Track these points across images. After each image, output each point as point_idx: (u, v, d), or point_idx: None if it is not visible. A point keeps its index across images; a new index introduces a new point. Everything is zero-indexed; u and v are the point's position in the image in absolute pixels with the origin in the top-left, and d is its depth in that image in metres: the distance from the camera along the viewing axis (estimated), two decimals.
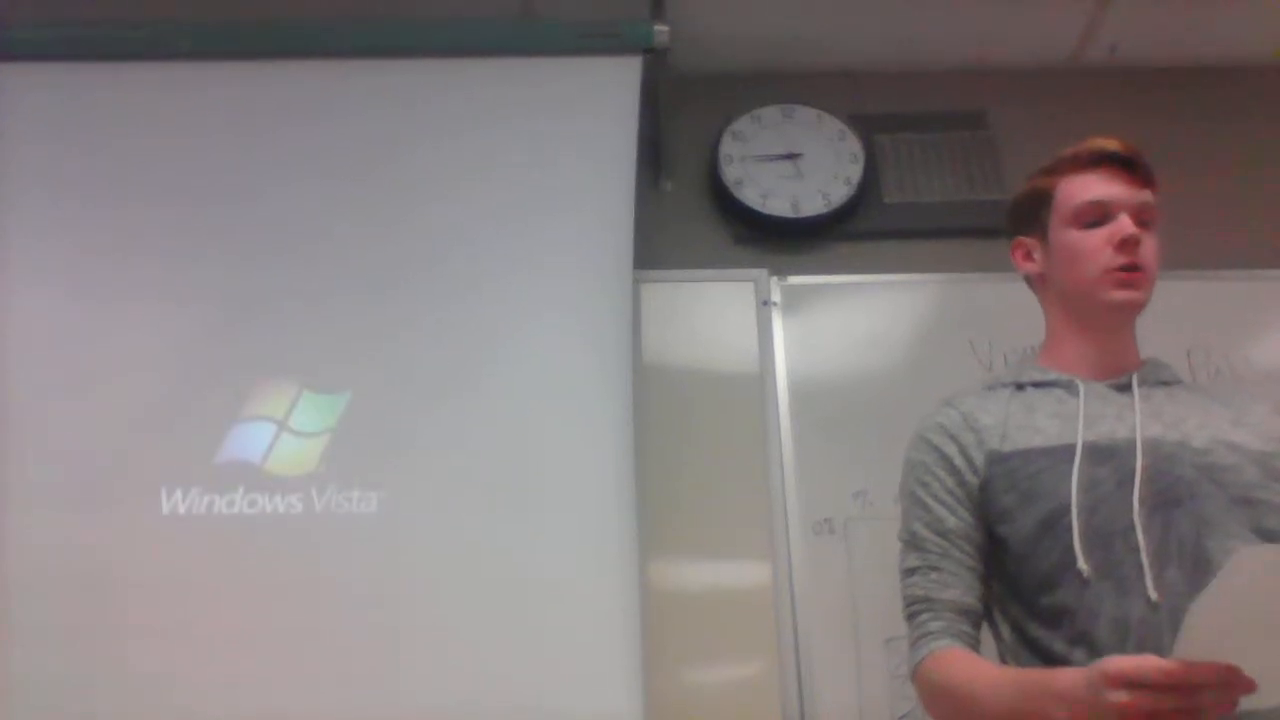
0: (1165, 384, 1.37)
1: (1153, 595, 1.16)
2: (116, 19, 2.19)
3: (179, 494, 1.84)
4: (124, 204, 2.05)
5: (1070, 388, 1.35)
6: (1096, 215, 1.35)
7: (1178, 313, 2.09)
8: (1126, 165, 1.36)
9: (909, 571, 1.34)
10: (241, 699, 1.73)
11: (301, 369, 1.93)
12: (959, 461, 1.34)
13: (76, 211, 2.05)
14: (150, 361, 1.93)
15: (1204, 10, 2.38)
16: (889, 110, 2.46)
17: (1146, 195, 1.36)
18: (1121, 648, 1.14)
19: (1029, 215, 1.43)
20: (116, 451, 1.87)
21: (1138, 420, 1.29)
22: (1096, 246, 1.34)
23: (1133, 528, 1.20)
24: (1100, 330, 1.38)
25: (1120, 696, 0.98)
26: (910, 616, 1.33)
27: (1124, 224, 1.32)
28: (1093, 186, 1.35)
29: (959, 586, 1.30)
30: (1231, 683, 0.96)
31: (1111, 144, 1.36)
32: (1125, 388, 1.34)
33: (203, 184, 2.07)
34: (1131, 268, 1.32)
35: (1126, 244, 1.32)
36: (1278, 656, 0.97)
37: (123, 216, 2.04)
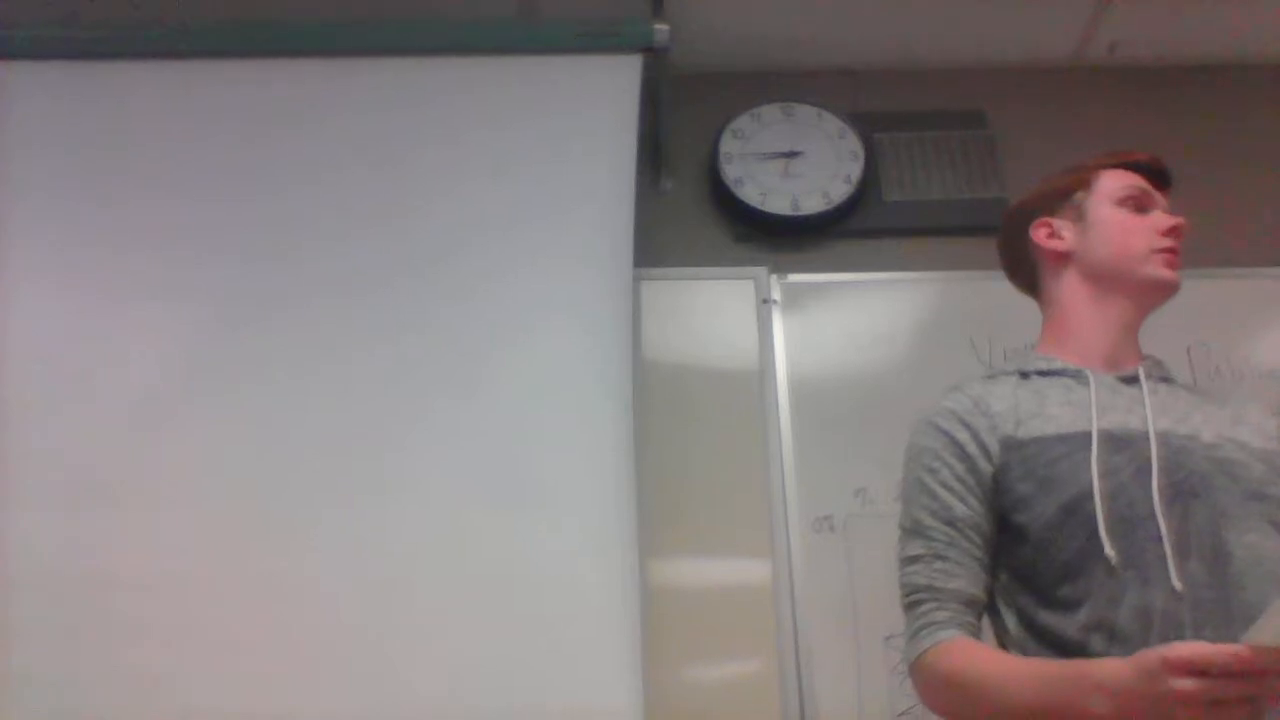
0: (1165, 381, 1.38)
1: (1177, 585, 1.16)
2: (117, 19, 2.20)
3: (179, 493, 1.84)
4: (125, 203, 2.05)
5: (1079, 377, 1.34)
6: (1140, 202, 1.41)
7: (1177, 311, 2.04)
8: (1157, 179, 1.44)
9: (911, 560, 1.32)
10: (241, 698, 1.72)
11: (302, 368, 1.93)
12: (972, 448, 1.32)
13: (77, 211, 2.05)
14: (150, 361, 1.93)
15: (1203, 9, 2.38)
16: (889, 108, 2.46)
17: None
18: (1144, 636, 1.14)
19: (1061, 197, 1.46)
20: (116, 451, 1.87)
21: (1148, 411, 1.29)
22: (1146, 227, 1.39)
23: (1153, 517, 1.20)
24: (1126, 309, 1.39)
25: (1185, 684, 0.96)
26: (912, 605, 1.30)
27: (1168, 215, 1.40)
28: (1137, 179, 1.43)
29: (965, 577, 1.28)
30: None
31: (1147, 156, 1.45)
32: (1131, 380, 1.34)
33: (203, 183, 2.08)
34: (1174, 252, 1.38)
35: (1175, 230, 1.38)
36: None
37: (124, 216, 2.04)
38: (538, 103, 2.17)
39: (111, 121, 2.13)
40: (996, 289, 2.16)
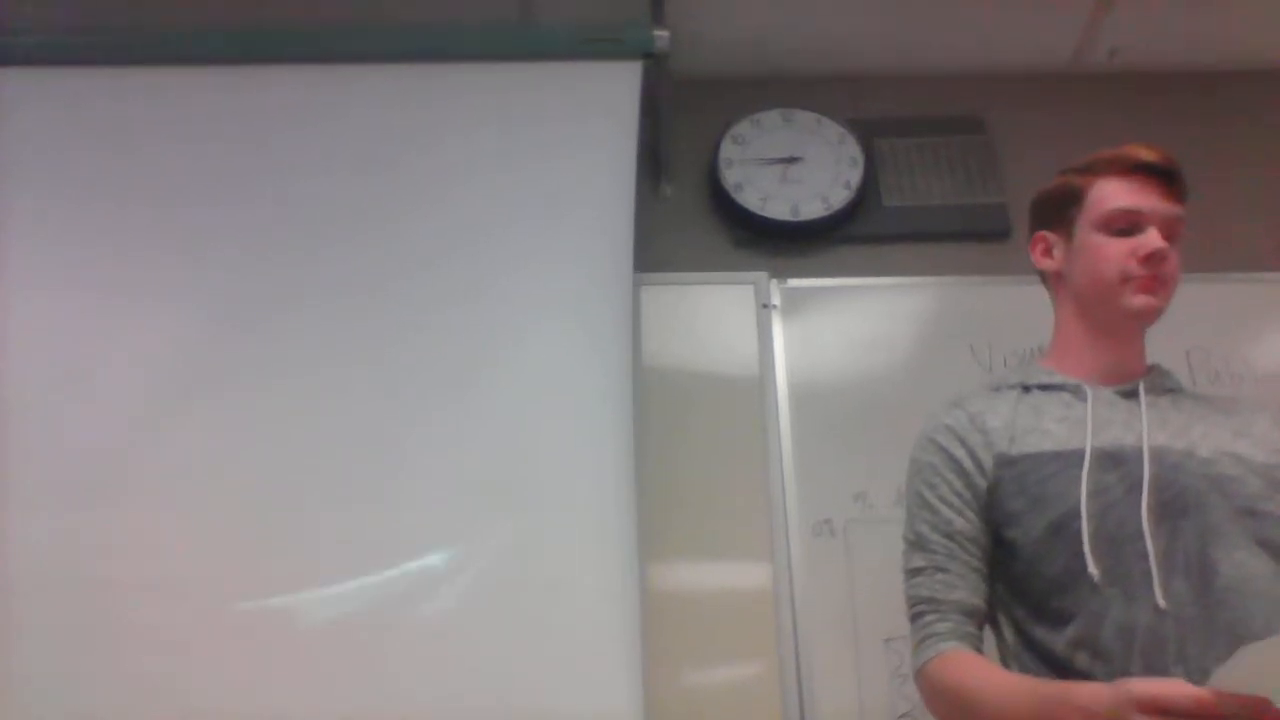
0: (1170, 392, 1.38)
1: (1161, 603, 1.17)
2: (117, 24, 2.20)
3: (179, 494, 1.84)
4: (125, 207, 2.06)
5: (1078, 392, 1.35)
6: (1127, 223, 1.35)
7: (1177, 314, 2.04)
8: (1164, 177, 1.36)
9: (914, 572, 1.34)
10: (241, 699, 1.72)
11: (302, 369, 1.93)
12: (968, 464, 1.34)
13: (77, 214, 2.05)
14: (151, 363, 1.93)
15: (1203, 14, 2.38)
16: (888, 114, 2.47)
17: (1178, 210, 1.36)
18: (1126, 654, 1.15)
19: (1056, 211, 1.42)
20: (116, 451, 1.87)
21: (1145, 428, 1.29)
22: (1122, 255, 1.34)
23: (1141, 535, 1.20)
24: (1112, 335, 1.38)
25: None
26: (915, 617, 1.33)
27: (1153, 238, 1.33)
28: (1128, 194, 1.35)
29: (965, 588, 1.31)
30: (1260, 717, 0.95)
31: (1153, 154, 1.36)
32: (1131, 394, 1.35)
33: (202, 187, 2.08)
34: (1153, 279, 1.33)
35: (1153, 259, 1.32)
36: None
37: (124, 219, 2.05)
38: (538, 108, 2.18)
39: (112, 127, 2.13)
40: (996, 294, 2.20)
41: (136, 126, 2.13)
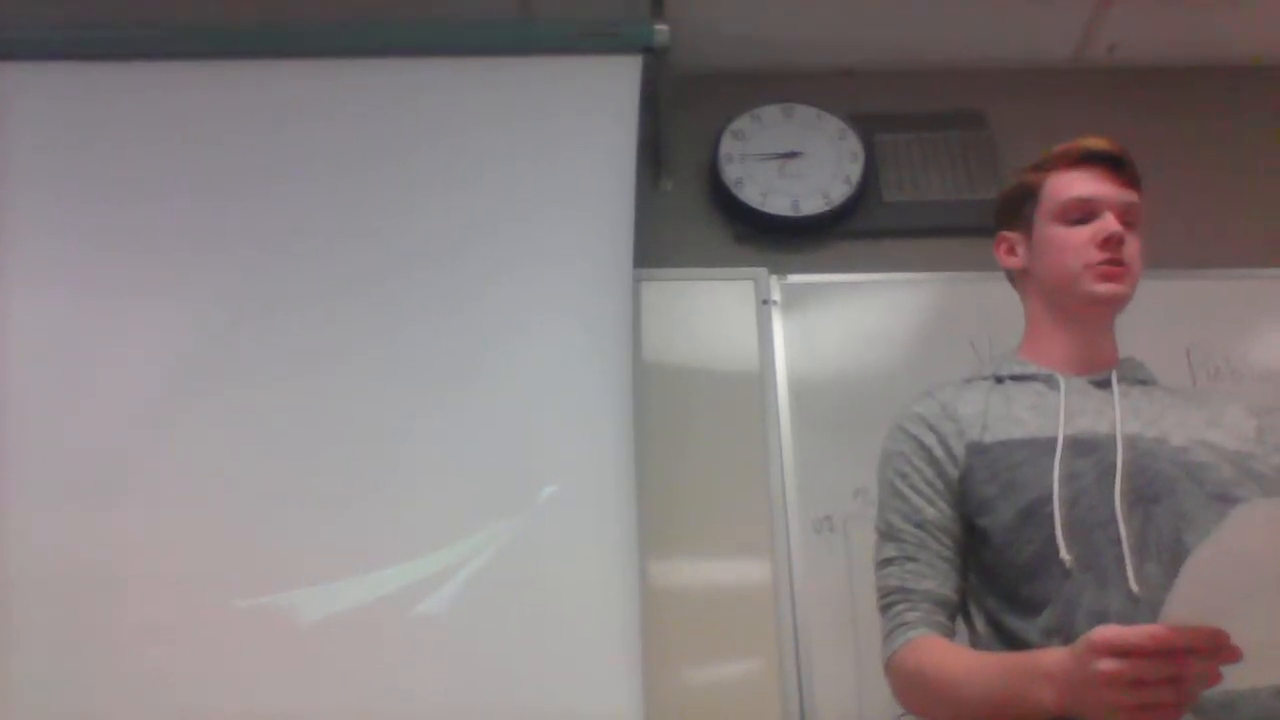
0: (1142, 383, 1.39)
1: (1134, 588, 1.17)
2: (117, 19, 2.20)
3: (179, 492, 1.84)
4: (125, 204, 2.05)
5: (1050, 381, 1.36)
6: (1082, 212, 1.37)
7: (1177, 311, 2.10)
8: (1114, 165, 1.38)
9: (885, 562, 1.35)
10: (241, 697, 1.72)
11: (302, 367, 1.93)
12: (939, 452, 1.34)
13: (78, 211, 2.05)
14: (153, 360, 1.93)
15: (1203, 10, 2.38)
16: (889, 109, 2.46)
17: (1132, 196, 1.38)
18: None
19: (1014, 210, 1.46)
20: (117, 451, 1.86)
21: (1118, 415, 1.30)
22: (1080, 243, 1.36)
23: (1113, 520, 1.21)
24: (1080, 324, 1.39)
25: (1107, 665, 0.98)
26: (885, 607, 1.33)
27: (1109, 222, 1.35)
28: (1080, 184, 1.38)
29: (936, 578, 1.31)
30: (1219, 648, 0.95)
31: (1100, 143, 1.39)
32: (1103, 384, 1.36)
33: (202, 184, 2.08)
34: (1114, 263, 1.34)
35: (1109, 242, 1.34)
36: (1266, 627, 0.95)
37: (124, 216, 2.04)
38: (537, 103, 2.17)
39: (112, 122, 2.13)
40: (996, 290, 2.17)
41: (135, 122, 2.13)
